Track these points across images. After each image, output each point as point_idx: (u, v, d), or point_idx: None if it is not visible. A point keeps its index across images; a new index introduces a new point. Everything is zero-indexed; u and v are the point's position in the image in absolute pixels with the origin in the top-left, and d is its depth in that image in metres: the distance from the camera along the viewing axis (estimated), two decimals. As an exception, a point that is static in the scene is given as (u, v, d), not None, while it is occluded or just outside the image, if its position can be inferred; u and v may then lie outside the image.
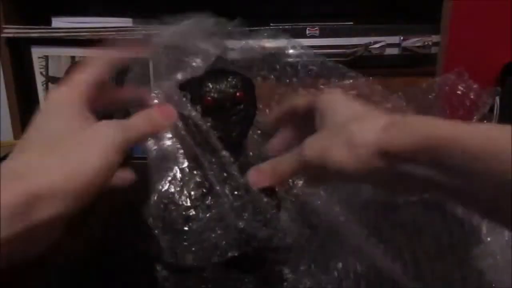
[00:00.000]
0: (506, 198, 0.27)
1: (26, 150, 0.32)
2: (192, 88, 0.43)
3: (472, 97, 0.53)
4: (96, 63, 0.38)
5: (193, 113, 0.42)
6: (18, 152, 0.32)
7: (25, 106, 0.85)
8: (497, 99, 0.78)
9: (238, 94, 0.42)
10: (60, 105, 0.36)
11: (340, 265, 0.47)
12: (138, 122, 0.36)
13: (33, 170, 0.29)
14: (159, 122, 0.37)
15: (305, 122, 0.41)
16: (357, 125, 0.35)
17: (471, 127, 0.30)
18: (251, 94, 0.44)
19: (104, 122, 0.33)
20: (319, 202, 0.47)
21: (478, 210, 0.33)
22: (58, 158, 0.30)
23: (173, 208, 0.43)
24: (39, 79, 0.84)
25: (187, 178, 0.44)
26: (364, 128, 0.34)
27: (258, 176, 0.40)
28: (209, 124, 0.42)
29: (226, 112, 0.42)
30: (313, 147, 0.36)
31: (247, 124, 0.44)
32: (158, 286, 0.44)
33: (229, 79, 0.42)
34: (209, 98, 0.41)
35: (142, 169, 0.82)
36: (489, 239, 0.48)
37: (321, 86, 0.56)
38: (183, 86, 0.44)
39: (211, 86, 0.42)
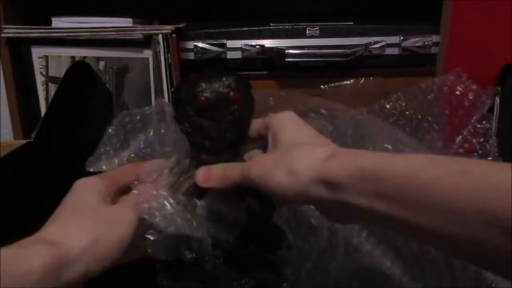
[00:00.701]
0: (473, 232, 0.26)
1: (59, 217, 0.37)
2: (186, 88, 0.42)
3: (470, 97, 0.53)
4: (126, 173, 0.43)
5: (190, 113, 0.42)
6: (52, 220, 0.38)
7: (25, 106, 0.85)
8: (497, 99, 0.78)
9: (232, 94, 0.41)
10: (91, 187, 0.40)
11: (338, 266, 0.47)
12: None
13: (66, 234, 0.35)
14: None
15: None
16: (300, 151, 0.36)
17: (403, 157, 0.31)
18: (247, 95, 0.44)
19: (124, 205, 0.39)
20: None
21: (444, 248, 0.32)
22: (88, 224, 0.36)
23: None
24: (39, 79, 0.84)
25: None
26: (306, 156, 0.35)
27: (206, 175, 0.40)
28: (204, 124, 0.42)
29: (220, 113, 0.42)
30: (259, 166, 0.38)
31: (243, 125, 0.44)
32: (156, 284, 0.44)
33: (223, 79, 0.41)
34: (202, 98, 0.41)
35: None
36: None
37: (322, 87, 0.56)
38: (179, 87, 0.44)
39: (204, 86, 0.41)
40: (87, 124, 0.69)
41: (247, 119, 0.44)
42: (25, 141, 0.64)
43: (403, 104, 0.56)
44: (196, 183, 0.41)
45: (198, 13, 0.95)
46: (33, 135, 0.80)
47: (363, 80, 0.71)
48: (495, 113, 0.78)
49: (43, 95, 0.85)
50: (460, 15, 0.88)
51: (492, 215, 0.25)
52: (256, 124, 0.44)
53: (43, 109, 0.85)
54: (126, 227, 0.37)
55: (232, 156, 0.43)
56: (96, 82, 0.71)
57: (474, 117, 0.53)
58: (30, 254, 0.32)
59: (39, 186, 0.58)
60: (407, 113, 0.47)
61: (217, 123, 0.42)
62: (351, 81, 0.70)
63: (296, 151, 0.36)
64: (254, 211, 0.40)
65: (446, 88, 0.53)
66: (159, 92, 0.81)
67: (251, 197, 0.40)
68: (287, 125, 0.40)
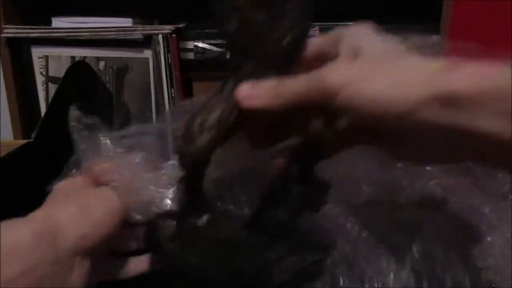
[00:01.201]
0: None
1: (42, 205, 0.35)
2: None
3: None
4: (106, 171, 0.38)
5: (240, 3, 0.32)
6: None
7: (25, 106, 0.85)
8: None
9: None
10: (71, 184, 0.39)
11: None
12: None
13: (52, 208, 0.34)
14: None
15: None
16: (410, 63, 0.28)
17: None
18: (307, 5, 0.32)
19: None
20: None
21: None
22: (74, 199, 0.34)
23: None
24: (39, 79, 0.84)
25: None
26: (421, 64, 0.27)
27: (251, 91, 0.30)
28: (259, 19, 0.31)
29: (282, 6, 0.31)
30: (341, 72, 0.28)
31: (302, 36, 0.32)
32: (161, 248, 0.36)
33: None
34: None
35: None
36: (489, 239, 0.49)
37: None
38: None
39: None
40: (87, 124, 0.69)
41: (307, 31, 0.33)
42: (25, 141, 0.64)
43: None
44: (238, 101, 0.30)
45: (198, 13, 0.94)
46: (33, 135, 0.80)
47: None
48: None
49: (43, 95, 0.85)
50: (460, 15, 0.88)
51: None
52: (316, 42, 0.34)
53: (43, 109, 0.85)
54: (112, 201, 0.33)
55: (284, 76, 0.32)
56: (96, 82, 0.71)
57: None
58: (16, 225, 0.30)
59: (39, 186, 0.58)
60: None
61: (275, 22, 0.31)
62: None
63: (406, 58, 0.29)
64: (312, 138, 0.31)
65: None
66: (159, 92, 0.81)
67: (311, 118, 0.30)
68: (372, 35, 0.32)
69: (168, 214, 0.35)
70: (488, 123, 0.25)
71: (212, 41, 0.78)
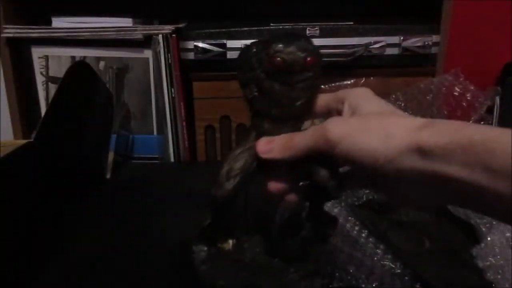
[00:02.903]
0: None
1: None
2: (259, 48, 0.39)
3: (468, 98, 0.53)
4: None
5: (260, 75, 0.39)
6: None
7: (25, 106, 0.85)
8: (497, 99, 0.78)
9: (309, 58, 0.38)
10: None
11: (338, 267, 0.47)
12: None
13: None
14: None
15: None
16: (394, 117, 0.34)
17: (502, 130, 0.29)
18: (320, 62, 0.40)
19: None
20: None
21: None
22: None
23: None
24: (39, 79, 0.84)
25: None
26: (401, 124, 0.33)
27: (268, 145, 0.38)
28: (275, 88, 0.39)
29: (294, 78, 0.38)
30: (340, 126, 0.35)
31: (313, 95, 0.40)
32: (194, 270, 0.43)
33: (300, 42, 0.38)
34: (278, 58, 0.37)
35: (142, 169, 0.82)
36: (489, 238, 0.49)
37: (321, 87, 0.55)
38: (250, 47, 0.40)
39: (281, 46, 0.37)
40: (87, 124, 0.69)
41: (317, 89, 0.41)
42: (25, 141, 0.64)
43: (402, 105, 0.56)
44: (257, 153, 0.38)
45: (198, 13, 0.95)
46: (33, 135, 0.80)
47: (363, 80, 0.71)
48: (495, 113, 0.78)
49: (43, 95, 0.85)
50: (460, 15, 0.88)
51: None
52: (323, 98, 0.41)
53: (43, 109, 0.85)
54: None
55: (296, 130, 0.40)
56: (96, 82, 0.72)
57: (473, 118, 0.53)
58: None
59: (39, 186, 0.58)
60: (405, 113, 0.46)
61: (289, 89, 0.38)
62: (352, 81, 0.70)
63: (390, 117, 0.34)
64: (319, 184, 0.37)
65: (444, 88, 0.53)
66: (159, 92, 0.81)
67: (317, 168, 0.37)
68: (368, 96, 0.38)
69: (200, 241, 0.42)
70: (455, 170, 0.29)
71: (212, 41, 0.78)
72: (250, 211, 0.44)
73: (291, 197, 0.40)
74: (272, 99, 0.39)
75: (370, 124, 0.34)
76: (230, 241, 0.43)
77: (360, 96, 0.38)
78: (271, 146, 0.38)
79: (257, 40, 0.41)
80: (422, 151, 0.31)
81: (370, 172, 0.33)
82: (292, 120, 0.40)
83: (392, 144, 0.32)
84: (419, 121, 0.33)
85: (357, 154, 0.33)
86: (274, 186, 0.39)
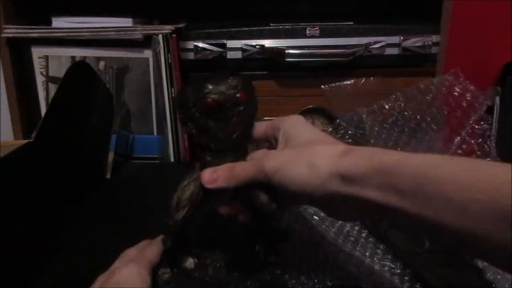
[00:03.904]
0: (479, 228, 0.27)
1: None
2: (193, 89, 0.42)
3: (468, 98, 0.53)
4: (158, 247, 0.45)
5: (195, 115, 0.42)
6: None
7: (25, 106, 0.85)
8: (497, 99, 0.78)
9: (238, 95, 0.41)
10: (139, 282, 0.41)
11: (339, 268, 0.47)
12: None
13: None
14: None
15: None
16: (319, 147, 0.38)
17: (419, 154, 0.32)
18: (252, 96, 0.44)
19: None
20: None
21: (455, 242, 0.31)
22: None
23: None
24: (39, 79, 0.84)
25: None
26: (325, 151, 0.37)
27: (212, 175, 0.41)
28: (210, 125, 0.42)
29: (227, 114, 0.42)
30: (274, 160, 0.38)
31: (248, 126, 0.44)
32: (161, 284, 0.45)
33: (229, 80, 0.42)
34: (209, 99, 0.41)
35: (142, 169, 0.82)
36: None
37: (322, 87, 0.56)
38: (184, 88, 0.44)
39: (211, 87, 0.41)
40: (87, 124, 0.69)
41: (252, 119, 0.44)
42: (25, 141, 0.64)
43: (402, 105, 0.56)
44: (202, 184, 0.41)
45: (198, 13, 0.95)
46: (33, 135, 0.80)
47: (363, 80, 0.71)
48: (495, 113, 0.78)
49: (43, 95, 0.85)
50: (460, 15, 0.88)
51: (504, 211, 0.26)
52: (261, 126, 0.44)
53: (43, 109, 0.85)
54: None
55: (237, 158, 0.43)
56: (96, 82, 0.72)
57: (472, 118, 0.53)
58: None
59: (39, 186, 0.58)
60: (406, 113, 0.46)
61: (224, 125, 0.42)
62: (352, 81, 0.70)
63: (316, 147, 0.38)
64: (261, 208, 0.40)
65: (444, 88, 0.53)
66: (159, 92, 0.81)
67: (259, 194, 0.40)
68: (299, 126, 0.42)
69: (163, 263, 0.45)
70: (371, 193, 0.33)
71: (212, 41, 0.78)
72: (209, 230, 0.48)
73: (242, 217, 0.43)
74: (209, 135, 0.42)
75: (299, 156, 0.38)
76: (192, 260, 0.47)
77: (292, 126, 0.42)
78: (215, 177, 0.40)
79: (192, 81, 0.46)
80: (343, 177, 0.34)
81: (303, 197, 0.37)
82: (232, 151, 0.43)
83: (318, 173, 0.36)
84: (340, 149, 0.36)
85: (289, 184, 0.37)
86: (223, 209, 0.43)
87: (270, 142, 0.44)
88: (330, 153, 0.36)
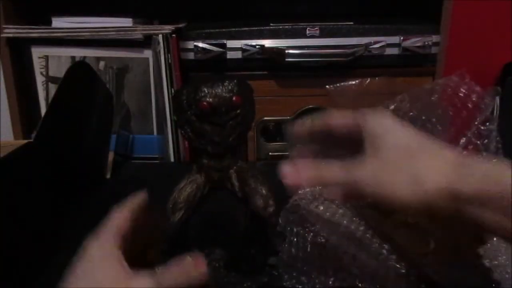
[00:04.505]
0: None
1: None
2: (189, 93, 0.42)
3: (474, 99, 0.52)
4: (127, 208, 0.38)
5: (191, 118, 0.42)
6: None
7: (25, 106, 0.85)
8: (497, 99, 0.78)
9: (234, 99, 0.41)
10: (100, 256, 0.35)
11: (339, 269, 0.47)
12: (175, 276, 0.35)
13: None
14: (194, 275, 0.35)
15: (339, 140, 0.39)
16: (423, 161, 0.33)
17: None
18: (249, 99, 0.44)
19: (142, 279, 0.34)
20: (321, 207, 0.47)
21: None
22: None
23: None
24: (39, 79, 0.84)
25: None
26: (432, 166, 0.32)
27: (295, 174, 0.36)
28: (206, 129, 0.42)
29: (223, 118, 0.41)
30: (368, 169, 0.34)
31: (244, 129, 0.44)
32: None
33: (225, 84, 0.41)
34: (204, 103, 0.40)
35: (142, 169, 0.82)
36: (494, 238, 0.48)
37: (327, 87, 0.55)
38: (179, 92, 0.44)
39: (206, 91, 0.41)
40: (87, 124, 0.69)
41: (249, 123, 0.44)
42: (25, 141, 0.64)
43: (408, 105, 0.56)
44: (283, 181, 0.37)
45: (198, 13, 0.95)
46: (33, 135, 0.80)
47: (369, 80, 0.71)
48: (495, 113, 0.78)
49: (43, 95, 0.85)
50: (460, 15, 0.88)
51: None
52: (338, 117, 0.39)
53: (43, 109, 0.85)
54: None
55: (234, 160, 0.43)
56: (96, 82, 0.71)
57: (478, 119, 0.53)
58: None
59: (39, 186, 0.58)
60: (411, 114, 0.46)
61: (220, 128, 0.42)
62: (357, 81, 0.70)
63: (419, 157, 0.33)
64: (259, 211, 0.41)
65: (449, 89, 0.53)
66: (159, 92, 0.81)
67: (255, 198, 0.40)
68: (389, 126, 0.36)
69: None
70: (490, 217, 0.29)
71: (212, 41, 0.78)
72: (208, 231, 0.48)
73: (240, 219, 0.43)
74: (205, 139, 0.42)
75: (398, 168, 0.32)
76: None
77: (381, 126, 0.36)
78: (297, 176, 0.36)
79: (187, 84, 0.45)
80: (455, 196, 0.30)
81: (404, 214, 0.34)
82: (229, 153, 0.43)
83: (422, 189, 0.31)
84: (449, 159, 0.32)
85: (388, 201, 0.33)
86: None
87: (346, 140, 0.38)
88: (437, 165, 0.32)
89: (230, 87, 0.41)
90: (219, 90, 0.41)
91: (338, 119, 0.39)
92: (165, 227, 0.43)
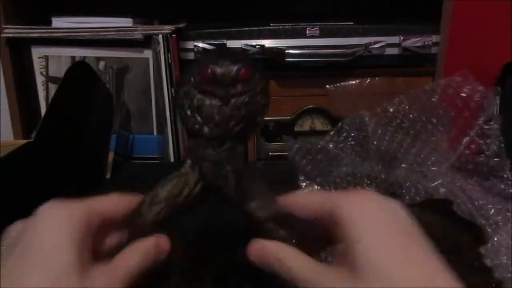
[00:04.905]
0: None
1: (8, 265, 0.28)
2: (195, 64, 0.37)
3: (477, 98, 0.52)
4: (115, 204, 0.34)
5: (191, 91, 0.36)
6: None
7: (25, 106, 0.85)
8: (497, 99, 0.78)
9: (242, 71, 0.35)
10: (65, 223, 0.30)
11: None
12: (132, 257, 0.32)
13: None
14: (153, 256, 0.33)
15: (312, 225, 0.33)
16: (415, 262, 0.26)
17: None
18: (261, 79, 0.37)
19: (97, 271, 0.30)
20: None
21: None
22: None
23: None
24: (39, 79, 0.84)
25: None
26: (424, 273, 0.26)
27: (260, 250, 0.33)
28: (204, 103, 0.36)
29: (227, 92, 0.36)
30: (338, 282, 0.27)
31: (251, 116, 0.37)
32: None
33: (236, 55, 0.37)
34: (208, 69, 0.35)
35: (142, 169, 0.82)
36: (495, 238, 0.48)
37: (327, 87, 0.55)
38: (188, 66, 0.39)
39: (212, 57, 0.36)
40: (87, 124, 0.69)
41: (258, 109, 0.38)
42: (25, 141, 0.64)
43: (406, 107, 0.56)
44: (249, 257, 0.34)
45: (198, 13, 0.94)
46: (33, 135, 0.80)
47: (369, 80, 0.71)
48: (494, 113, 0.78)
49: (43, 95, 0.85)
50: (460, 15, 0.88)
51: None
52: (307, 199, 0.33)
53: (43, 109, 0.85)
54: None
55: (235, 156, 0.37)
56: (96, 82, 0.71)
57: (481, 118, 0.53)
58: None
59: (39, 186, 0.58)
60: (410, 115, 0.46)
61: (221, 105, 0.36)
62: (357, 81, 0.70)
63: (410, 262, 0.26)
64: (254, 216, 0.37)
65: (451, 90, 0.53)
66: (159, 92, 0.81)
67: (249, 203, 0.36)
68: (371, 222, 0.28)
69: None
70: None
71: (212, 41, 0.78)
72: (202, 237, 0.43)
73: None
74: (203, 117, 0.36)
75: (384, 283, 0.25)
76: (174, 279, 0.41)
77: (357, 221, 0.28)
78: (263, 255, 0.33)
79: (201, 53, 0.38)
80: None
81: None
82: (229, 141, 0.37)
83: None
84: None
85: None
86: None
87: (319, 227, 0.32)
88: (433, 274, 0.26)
89: (239, 58, 0.36)
90: (228, 60, 0.35)
91: (303, 203, 0.33)
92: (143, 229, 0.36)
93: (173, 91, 0.39)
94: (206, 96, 0.36)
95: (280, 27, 0.78)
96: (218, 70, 0.35)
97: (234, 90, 0.36)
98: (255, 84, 0.37)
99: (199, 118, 0.36)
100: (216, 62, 0.35)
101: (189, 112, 0.37)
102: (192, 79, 0.36)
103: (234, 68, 0.35)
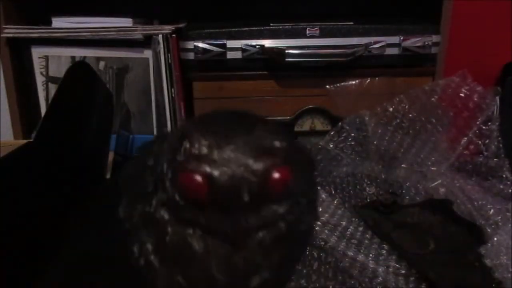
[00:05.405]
0: None
1: None
2: (170, 146, 0.20)
3: (475, 99, 0.53)
4: None
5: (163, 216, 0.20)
6: None
7: (25, 106, 0.85)
8: (497, 99, 0.78)
9: (276, 175, 0.19)
10: None
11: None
12: None
13: None
14: None
15: None
16: None
17: None
18: (308, 183, 0.21)
19: None
20: (320, 208, 0.47)
21: None
22: None
23: None
24: (39, 79, 0.84)
25: None
26: None
27: None
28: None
29: (240, 221, 0.19)
30: None
31: (291, 259, 0.22)
32: None
33: (252, 135, 0.19)
34: (197, 178, 0.19)
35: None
36: (495, 238, 0.49)
37: (327, 87, 0.55)
38: (136, 160, 0.22)
39: (206, 148, 0.19)
40: (87, 124, 0.69)
41: (304, 239, 0.22)
42: (25, 141, 0.64)
43: (406, 107, 0.56)
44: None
45: (198, 13, 0.95)
46: (33, 135, 0.80)
47: (369, 80, 0.71)
48: (494, 113, 0.78)
49: (43, 95, 0.85)
50: (460, 15, 0.88)
51: None
52: None
53: (43, 109, 0.85)
54: None
55: None
56: (96, 82, 0.71)
57: (480, 119, 0.53)
58: None
59: (39, 186, 0.58)
60: (410, 115, 0.46)
61: (229, 250, 0.20)
62: (357, 81, 0.70)
63: None
64: None
65: (450, 90, 0.53)
66: (159, 92, 0.81)
67: None
68: None
69: None
70: None
71: (212, 41, 0.78)
72: None
73: None
74: (185, 274, 0.20)
75: None
76: None
77: None
78: None
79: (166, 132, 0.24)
80: None
81: None
82: None
83: None
84: None
85: None
86: None
87: None
88: None
89: (262, 144, 0.19)
90: (237, 152, 0.19)
91: None
92: None
93: (122, 214, 0.20)
94: (192, 229, 0.20)
95: (280, 27, 0.78)
96: (220, 177, 0.19)
97: (257, 217, 0.19)
98: (298, 194, 0.21)
99: (174, 270, 0.20)
100: (215, 159, 0.19)
101: (151, 258, 0.20)
102: (162, 186, 0.19)
103: (259, 169, 0.19)
